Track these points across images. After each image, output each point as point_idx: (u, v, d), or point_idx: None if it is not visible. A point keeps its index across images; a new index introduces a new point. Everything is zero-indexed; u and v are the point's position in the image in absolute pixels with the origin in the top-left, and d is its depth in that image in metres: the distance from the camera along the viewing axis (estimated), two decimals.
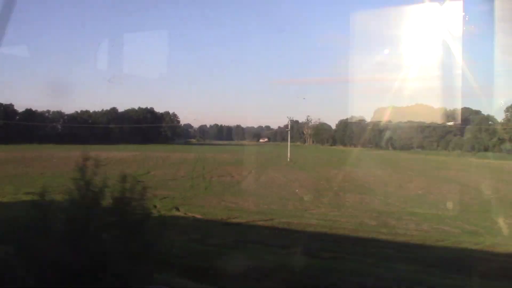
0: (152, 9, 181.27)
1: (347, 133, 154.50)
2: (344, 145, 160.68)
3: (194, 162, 57.38)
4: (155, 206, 22.53)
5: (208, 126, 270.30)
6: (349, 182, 35.56)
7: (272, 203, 24.15)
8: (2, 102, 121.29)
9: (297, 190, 30.26)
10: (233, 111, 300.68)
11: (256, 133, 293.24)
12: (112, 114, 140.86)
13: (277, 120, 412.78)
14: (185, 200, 25.45)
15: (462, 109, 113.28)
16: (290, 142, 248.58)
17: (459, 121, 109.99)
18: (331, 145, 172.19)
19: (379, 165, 55.70)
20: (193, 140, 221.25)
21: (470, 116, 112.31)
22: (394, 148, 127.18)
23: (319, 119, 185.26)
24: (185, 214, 20.35)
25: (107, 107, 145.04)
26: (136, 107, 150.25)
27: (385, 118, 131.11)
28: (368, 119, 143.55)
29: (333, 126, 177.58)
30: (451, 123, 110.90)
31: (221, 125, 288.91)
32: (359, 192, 28.95)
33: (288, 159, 63.13)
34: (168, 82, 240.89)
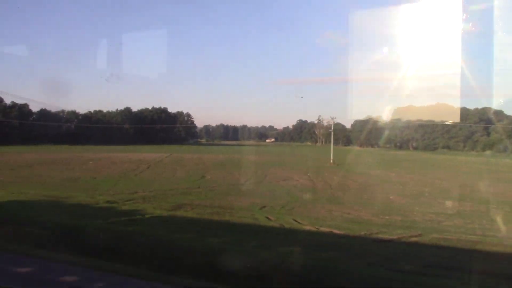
0: (153, 9, 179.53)
1: (363, 134, 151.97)
2: (360, 145, 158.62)
3: (235, 164, 55.11)
4: (268, 219, 20.34)
5: (212, 126, 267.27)
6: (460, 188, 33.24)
7: (391, 213, 21.88)
8: (17, 102, 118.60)
9: (391, 197, 28.00)
10: (236, 111, 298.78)
11: (263, 133, 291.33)
12: (127, 114, 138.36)
13: (280, 121, 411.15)
14: (287, 209, 23.16)
15: (482, 108, 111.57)
16: (299, 142, 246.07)
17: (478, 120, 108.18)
18: (345, 146, 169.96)
19: (447, 168, 53.87)
20: (202, 140, 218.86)
21: (490, 116, 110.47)
22: (415, 149, 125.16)
23: (332, 119, 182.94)
24: (317, 228, 18.06)
25: (113, 107, 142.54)
26: (149, 107, 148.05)
27: (404, 117, 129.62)
28: (385, 118, 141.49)
29: (344, 126, 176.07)
30: (469, 124, 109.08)
31: (227, 125, 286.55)
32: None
33: (332, 161, 60.84)
34: (171, 82, 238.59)
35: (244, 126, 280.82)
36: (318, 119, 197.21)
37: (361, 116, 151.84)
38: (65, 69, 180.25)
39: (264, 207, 23.60)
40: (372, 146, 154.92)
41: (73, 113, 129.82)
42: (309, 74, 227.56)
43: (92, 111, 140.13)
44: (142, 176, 40.48)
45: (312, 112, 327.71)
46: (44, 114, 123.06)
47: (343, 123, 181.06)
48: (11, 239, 15.08)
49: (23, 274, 7.13)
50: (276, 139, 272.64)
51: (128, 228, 16.94)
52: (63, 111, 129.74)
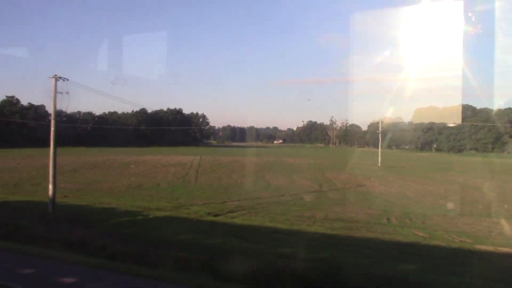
0: (155, 10, 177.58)
1: (387, 135, 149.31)
2: (376, 147, 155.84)
3: (284, 168, 52.78)
4: (416, 234, 17.96)
5: (219, 127, 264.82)
6: None
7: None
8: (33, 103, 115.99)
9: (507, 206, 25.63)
10: (239, 112, 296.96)
11: (270, 135, 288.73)
12: (143, 115, 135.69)
13: (284, 122, 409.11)
14: (420, 222, 20.79)
15: (505, 109, 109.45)
16: (308, 143, 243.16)
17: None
18: (360, 147, 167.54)
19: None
20: (213, 142, 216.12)
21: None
22: (438, 150, 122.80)
23: (346, 120, 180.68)
24: (496, 249, 15.66)
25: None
26: (164, 108, 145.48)
27: (425, 119, 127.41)
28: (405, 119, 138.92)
29: (360, 128, 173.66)
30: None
31: (233, 126, 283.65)
32: None
33: (379, 164, 58.54)
34: (176, 84, 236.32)
35: (251, 127, 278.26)
36: (331, 120, 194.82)
37: (372, 118, 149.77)
38: (73, 71, 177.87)
39: (388, 219, 21.28)
40: (390, 147, 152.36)
41: (89, 114, 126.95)
42: (316, 75, 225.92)
43: (107, 112, 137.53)
44: (201, 181, 37.96)
45: (317, 113, 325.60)
46: (59, 115, 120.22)
47: (347, 124, 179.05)
48: (159, 264, 12.71)
49: None
50: (284, 141, 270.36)
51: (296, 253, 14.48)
52: (79, 112, 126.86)
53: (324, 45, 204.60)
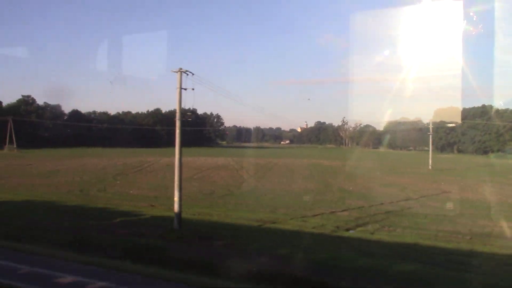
0: (156, 10, 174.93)
1: (399, 136, 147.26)
2: (394, 148, 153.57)
3: (334, 171, 50.28)
4: None
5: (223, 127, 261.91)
6: None
7: None
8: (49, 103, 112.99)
9: None
10: (241, 112, 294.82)
11: (277, 135, 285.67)
12: (158, 115, 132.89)
13: (286, 122, 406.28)
14: None
15: None
16: (318, 144, 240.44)
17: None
18: (375, 148, 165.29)
19: None
20: (223, 143, 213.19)
21: None
22: (460, 152, 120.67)
23: (360, 120, 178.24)
24: None
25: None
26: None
27: (445, 119, 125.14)
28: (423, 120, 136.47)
29: (375, 128, 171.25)
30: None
31: (240, 127, 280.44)
32: None
33: (430, 166, 56.19)
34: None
35: (257, 128, 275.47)
36: (342, 121, 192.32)
37: (385, 118, 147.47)
38: (73, 71, 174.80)
39: None
40: (406, 148, 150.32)
41: (105, 114, 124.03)
42: (317, 75, 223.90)
43: (121, 112, 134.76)
44: (265, 187, 35.21)
45: (319, 113, 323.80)
46: (75, 115, 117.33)
47: (361, 124, 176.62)
48: None
49: None
50: (291, 141, 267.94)
51: None
52: (94, 112, 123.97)
53: (324, 45, 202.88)
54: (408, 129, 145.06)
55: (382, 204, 26.98)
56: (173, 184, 19.19)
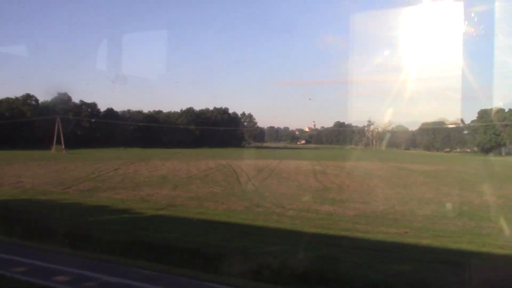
0: (157, 9, 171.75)
1: (437, 137, 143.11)
2: (428, 149, 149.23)
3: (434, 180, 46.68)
4: None
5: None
6: None
7: None
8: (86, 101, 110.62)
9: None
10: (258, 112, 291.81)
11: (293, 135, 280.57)
12: (191, 115, 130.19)
13: (288, 122, 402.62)
14: None
15: None
16: (337, 145, 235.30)
17: None
18: (406, 150, 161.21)
19: None
20: (244, 143, 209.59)
21: None
22: (508, 154, 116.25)
23: (390, 121, 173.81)
24: None
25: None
26: (211, 107, 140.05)
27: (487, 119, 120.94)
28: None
29: (407, 129, 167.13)
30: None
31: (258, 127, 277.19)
32: None
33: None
34: (177, 85, 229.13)
35: (271, 128, 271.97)
36: (368, 121, 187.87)
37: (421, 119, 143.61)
38: (73, 71, 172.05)
39: None
40: (443, 150, 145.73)
41: (140, 113, 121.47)
42: (317, 75, 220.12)
43: (152, 111, 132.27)
44: (363, 195, 31.73)
45: (321, 114, 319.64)
46: (110, 113, 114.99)
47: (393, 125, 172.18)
48: None
49: None
50: (307, 141, 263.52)
51: None
52: (129, 111, 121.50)
53: (324, 45, 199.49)
54: (447, 130, 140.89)
55: None
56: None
